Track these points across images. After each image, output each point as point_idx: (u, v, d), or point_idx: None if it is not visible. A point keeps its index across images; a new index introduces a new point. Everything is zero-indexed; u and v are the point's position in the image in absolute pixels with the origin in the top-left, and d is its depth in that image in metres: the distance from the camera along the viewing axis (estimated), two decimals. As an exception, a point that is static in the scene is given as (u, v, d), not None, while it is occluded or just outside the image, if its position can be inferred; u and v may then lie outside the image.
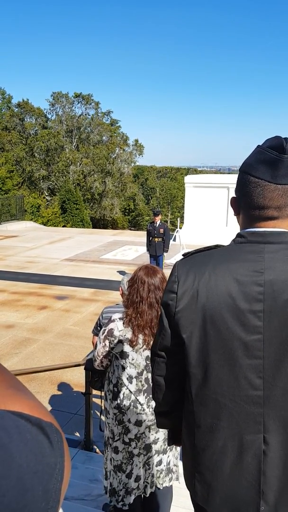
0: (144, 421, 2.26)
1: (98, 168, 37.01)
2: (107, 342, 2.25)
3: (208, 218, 15.42)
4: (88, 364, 3.23)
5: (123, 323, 2.22)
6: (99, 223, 37.03)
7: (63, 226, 28.01)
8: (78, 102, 38.75)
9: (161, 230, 9.59)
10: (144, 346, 2.21)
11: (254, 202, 1.18)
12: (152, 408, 2.24)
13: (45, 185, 37.02)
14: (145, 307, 2.18)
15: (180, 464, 2.37)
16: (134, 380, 2.26)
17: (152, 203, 50.87)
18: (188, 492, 1.34)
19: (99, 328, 2.88)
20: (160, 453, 2.36)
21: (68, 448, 0.46)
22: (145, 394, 2.26)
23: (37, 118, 37.88)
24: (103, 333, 2.28)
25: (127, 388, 2.26)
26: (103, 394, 2.51)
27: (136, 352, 2.23)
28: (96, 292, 9.24)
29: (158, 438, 2.32)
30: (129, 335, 2.21)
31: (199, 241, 8.72)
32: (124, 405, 2.26)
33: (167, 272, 1.45)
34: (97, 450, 3.71)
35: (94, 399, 3.77)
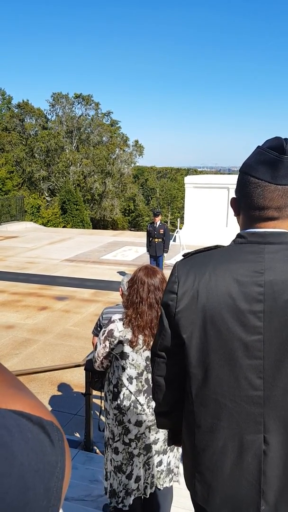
0: (144, 421, 2.26)
1: (98, 168, 37.04)
2: (107, 343, 2.25)
3: (208, 219, 15.41)
4: (88, 365, 3.23)
5: (123, 324, 2.22)
6: (99, 224, 37.04)
7: (63, 227, 28.02)
8: (78, 103, 38.79)
9: (161, 230, 9.59)
10: (144, 347, 2.21)
11: (254, 202, 1.18)
12: (152, 408, 2.24)
13: (45, 185, 37.04)
14: (145, 307, 2.18)
15: (181, 464, 2.37)
16: (134, 381, 2.26)
17: (152, 203, 50.88)
18: (188, 492, 1.34)
19: (99, 328, 2.88)
20: (160, 454, 2.36)
21: (68, 447, 0.46)
22: (145, 394, 2.26)
23: (37, 119, 37.90)
24: (103, 334, 2.28)
25: (127, 388, 2.26)
26: (103, 394, 2.51)
27: (136, 353, 2.23)
28: (96, 292, 9.24)
29: (158, 439, 2.32)
30: (129, 335, 2.21)
31: (199, 242, 8.72)
32: (124, 405, 2.26)
33: (167, 272, 1.45)
34: (97, 450, 3.71)
35: (94, 400, 3.77)
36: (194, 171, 61.85)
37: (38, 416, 0.44)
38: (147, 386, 2.26)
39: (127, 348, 2.23)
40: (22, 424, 0.41)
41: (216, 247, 1.28)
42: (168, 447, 2.39)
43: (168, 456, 2.41)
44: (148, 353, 2.20)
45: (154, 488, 2.40)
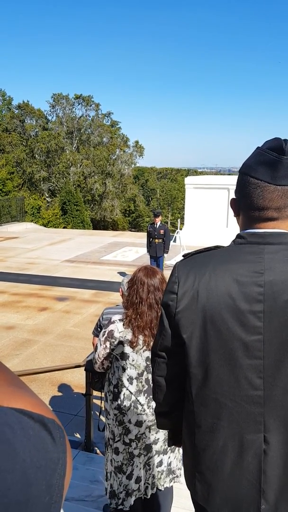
0: (145, 421, 2.27)
1: (99, 169, 37.08)
2: (108, 344, 2.26)
3: (208, 219, 15.41)
4: (89, 365, 3.23)
5: (123, 324, 2.23)
6: (99, 225, 37.06)
7: (64, 228, 28.04)
8: (79, 104, 38.86)
9: (161, 231, 9.60)
10: (144, 347, 2.21)
11: (253, 203, 1.19)
12: (152, 408, 2.24)
13: (46, 186, 37.08)
14: (145, 308, 2.18)
15: (181, 464, 2.37)
16: (134, 381, 2.26)
17: (153, 204, 50.91)
18: (189, 493, 1.35)
19: (99, 329, 2.89)
20: (160, 454, 2.37)
21: (69, 445, 0.46)
22: (146, 394, 2.26)
23: (38, 120, 37.97)
24: (103, 335, 2.28)
25: (128, 389, 2.26)
26: (103, 395, 2.52)
27: (136, 353, 2.23)
28: (96, 293, 9.24)
29: (158, 439, 2.32)
30: (129, 336, 2.21)
31: (200, 242, 8.72)
32: (125, 405, 2.26)
33: (167, 273, 1.45)
34: (98, 451, 3.71)
35: (94, 400, 3.77)
36: (194, 172, 61.88)
37: (39, 414, 0.44)
38: (147, 387, 2.26)
39: (127, 349, 2.23)
40: (24, 422, 0.41)
41: (216, 247, 1.28)
42: (169, 447, 2.39)
43: (169, 457, 2.42)
44: (148, 354, 2.21)
45: (155, 489, 2.40)
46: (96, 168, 36.86)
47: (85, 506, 2.81)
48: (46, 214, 32.11)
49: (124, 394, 2.27)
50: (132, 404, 2.26)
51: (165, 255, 9.83)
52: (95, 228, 32.96)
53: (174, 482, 2.48)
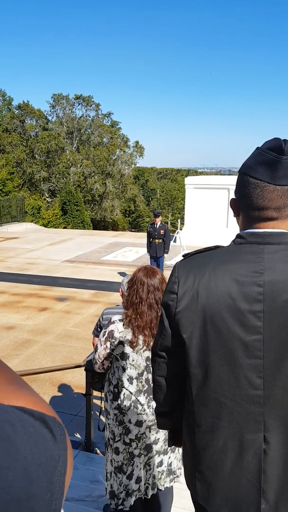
0: (145, 421, 2.27)
1: (99, 169, 37.09)
2: (108, 344, 2.26)
3: (208, 220, 15.41)
4: (89, 365, 3.23)
5: (123, 324, 2.23)
6: (99, 225, 37.07)
7: (64, 228, 28.06)
8: (79, 104, 38.89)
9: (161, 231, 9.61)
10: (144, 347, 2.21)
11: (253, 203, 1.19)
12: (152, 408, 2.24)
13: (46, 186, 37.09)
14: (145, 308, 2.18)
15: (181, 465, 2.37)
16: (134, 381, 2.26)
17: (153, 204, 50.92)
18: (189, 493, 1.35)
19: (99, 329, 2.89)
20: (160, 454, 2.37)
21: (70, 442, 0.47)
22: (146, 394, 2.27)
23: (38, 120, 37.99)
24: (103, 335, 2.28)
25: (127, 389, 2.26)
26: (103, 395, 2.52)
27: (136, 353, 2.23)
28: (96, 293, 9.24)
29: (158, 439, 2.32)
30: (129, 336, 2.21)
31: (200, 243, 8.72)
32: (125, 405, 2.27)
33: (167, 273, 1.45)
34: (98, 451, 3.71)
35: (94, 401, 3.78)
36: (195, 172, 61.91)
37: (40, 412, 0.44)
38: (147, 386, 2.26)
39: (127, 349, 2.23)
40: (24, 419, 0.42)
41: (216, 247, 1.29)
42: (169, 447, 2.39)
43: (169, 457, 2.42)
44: (148, 354, 2.21)
45: (155, 489, 2.40)
46: (96, 168, 36.87)
47: (85, 506, 2.81)
48: (46, 214, 32.12)
49: (124, 394, 2.27)
50: (132, 404, 2.26)
51: (165, 255, 9.83)
52: (95, 228, 32.97)
53: (174, 482, 2.48)
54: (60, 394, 5.01)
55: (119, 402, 2.28)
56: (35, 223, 25.70)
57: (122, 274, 10.27)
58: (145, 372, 2.26)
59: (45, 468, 0.40)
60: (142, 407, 2.26)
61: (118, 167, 38.90)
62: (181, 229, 14.33)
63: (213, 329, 1.16)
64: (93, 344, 2.98)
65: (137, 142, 40.88)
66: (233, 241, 1.25)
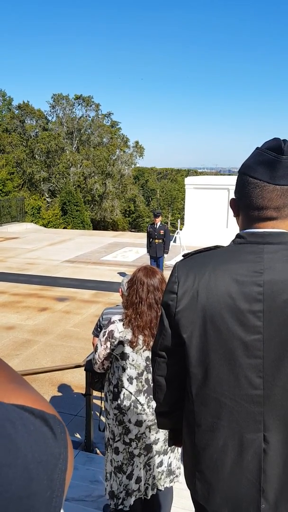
0: (145, 421, 2.27)
1: (99, 169, 37.09)
2: (108, 344, 2.26)
3: (208, 220, 15.41)
4: (88, 365, 3.23)
5: (123, 324, 2.23)
6: (99, 225, 37.07)
7: (64, 228, 28.06)
8: (79, 104, 38.89)
9: (161, 231, 9.61)
10: (144, 347, 2.22)
11: (253, 203, 1.19)
12: (152, 408, 2.25)
13: (46, 187, 37.09)
14: (145, 307, 2.18)
15: (181, 464, 2.37)
16: (134, 381, 2.26)
17: (153, 204, 50.91)
18: (189, 493, 1.35)
19: (99, 329, 2.89)
20: (160, 454, 2.37)
21: (70, 440, 0.47)
22: (145, 394, 2.27)
23: (38, 120, 37.98)
24: (103, 335, 2.28)
25: (127, 389, 2.26)
26: (103, 395, 2.52)
27: (136, 353, 2.23)
28: (96, 293, 9.24)
29: (158, 439, 2.32)
30: (129, 336, 2.21)
31: (200, 243, 8.71)
32: (125, 405, 2.27)
33: (167, 273, 1.46)
34: (98, 451, 3.71)
35: (94, 401, 3.78)
36: (194, 172, 61.92)
37: (40, 410, 0.44)
38: (147, 386, 2.26)
39: (127, 349, 2.23)
40: (25, 417, 0.42)
41: (216, 247, 1.29)
42: (169, 448, 2.39)
43: (169, 457, 2.42)
44: (148, 353, 2.21)
45: (155, 489, 2.40)
46: (96, 169, 36.86)
47: (85, 506, 2.81)
48: (46, 214, 32.11)
49: (124, 394, 2.27)
50: (132, 403, 2.26)
51: (165, 255, 9.83)
52: (95, 228, 32.96)
53: (174, 483, 2.48)
54: (60, 394, 5.01)
55: (119, 402, 2.28)
56: (35, 223, 25.69)
57: (122, 274, 10.27)
58: (145, 372, 2.26)
59: (45, 466, 0.40)
60: (142, 407, 2.26)
61: (118, 167, 38.90)
62: (181, 229, 14.32)
63: (213, 329, 1.17)
64: (93, 344, 2.98)
65: (137, 142, 40.89)
66: (233, 241, 1.26)
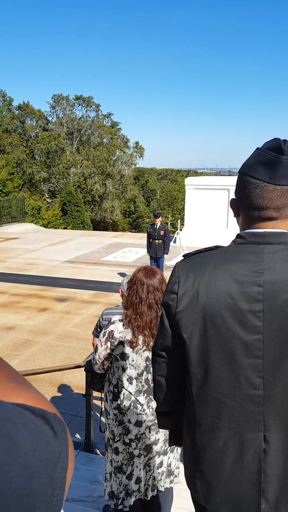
0: (145, 421, 2.27)
1: (99, 170, 37.10)
2: (108, 344, 2.26)
3: (208, 220, 15.41)
4: (88, 366, 3.23)
5: (123, 325, 2.23)
6: (99, 225, 37.07)
7: (64, 228, 28.06)
8: (79, 105, 38.91)
9: (161, 232, 9.61)
10: (144, 347, 2.21)
11: (253, 203, 1.19)
12: (152, 408, 2.24)
13: (46, 187, 37.11)
14: (145, 308, 2.18)
15: (181, 465, 2.37)
16: (134, 381, 2.26)
17: (153, 205, 50.92)
18: (189, 494, 1.35)
19: (99, 329, 2.89)
20: (160, 454, 2.37)
21: (71, 439, 0.47)
22: (145, 394, 2.27)
23: (38, 121, 38.01)
24: (104, 336, 2.28)
25: (127, 389, 2.26)
26: (103, 395, 2.52)
27: (136, 353, 2.23)
28: (96, 294, 9.24)
29: (158, 439, 2.32)
30: (129, 336, 2.21)
31: (200, 243, 8.71)
32: (124, 405, 2.27)
33: (167, 274, 1.46)
34: (98, 452, 3.71)
35: (94, 401, 3.77)
36: (195, 173, 61.96)
37: (40, 408, 0.45)
38: (147, 387, 2.26)
39: (127, 349, 2.23)
40: (25, 416, 0.42)
41: (216, 247, 1.29)
42: (169, 448, 2.39)
43: (169, 457, 2.42)
44: (148, 354, 2.21)
45: (155, 490, 2.40)
46: (96, 169, 36.88)
47: (85, 507, 2.81)
48: (46, 215, 32.12)
49: (123, 394, 2.27)
50: (132, 404, 2.26)
51: (165, 255, 9.83)
52: (95, 229, 32.95)
53: (174, 484, 2.48)
54: (60, 394, 5.01)
55: (118, 402, 2.28)
56: (35, 223, 25.70)
57: (122, 274, 10.27)
58: (144, 372, 2.26)
59: (46, 464, 0.40)
60: (142, 407, 2.26)
61: (118, 168, 38.91)
62: (181, 230, 14.33)
63: (213, 329, 1.17)
64: (93, 345, 2.98)
65: (137, 143, 40.91)
66: (233, 241, 1.26)
